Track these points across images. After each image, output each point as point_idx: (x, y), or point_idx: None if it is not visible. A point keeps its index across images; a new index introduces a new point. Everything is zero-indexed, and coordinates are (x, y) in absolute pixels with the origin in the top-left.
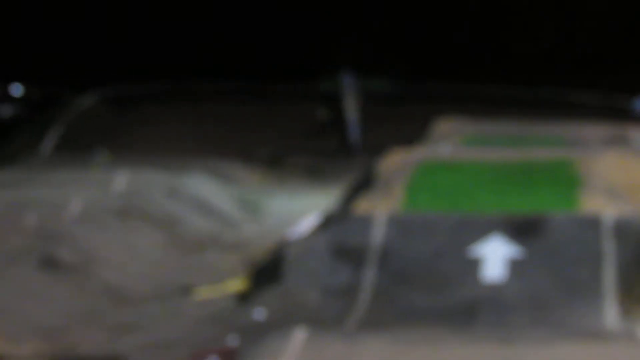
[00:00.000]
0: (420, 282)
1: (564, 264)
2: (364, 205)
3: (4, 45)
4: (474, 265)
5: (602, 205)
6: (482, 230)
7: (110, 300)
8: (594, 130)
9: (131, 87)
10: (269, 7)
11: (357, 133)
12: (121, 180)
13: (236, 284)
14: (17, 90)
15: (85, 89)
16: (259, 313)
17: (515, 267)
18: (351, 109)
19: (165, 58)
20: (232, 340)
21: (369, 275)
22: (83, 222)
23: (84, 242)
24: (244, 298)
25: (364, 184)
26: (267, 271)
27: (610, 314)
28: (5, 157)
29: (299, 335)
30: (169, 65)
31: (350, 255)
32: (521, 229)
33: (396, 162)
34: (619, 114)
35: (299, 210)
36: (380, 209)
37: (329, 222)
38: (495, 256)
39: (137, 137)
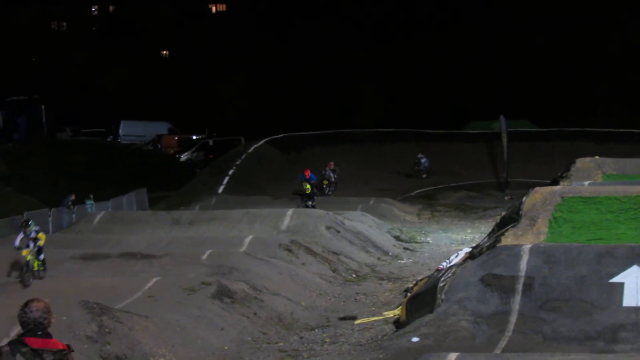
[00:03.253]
0: (563, 308)
1: None
2: (511, 238)
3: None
4: (614, 292)
5: None
6: (622, 259)
7: (278, 328)
8: None
9: (295, 134)
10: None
11: (507, 170)
12: (289, 216)
13: (393, 312)
14: (198, 138)
15: (258, 138)
16: (415, 339)
17: None
18: (504, 148)
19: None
20: None
21: (517, 302)
22: (255, 256)
23: (256, 274)
24: (400, 324)
25: (510, 218)
26: (422, 299)
27: None
28: (187, 197)
29: (451, 359)
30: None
31: (498, 283)
32: None
33: (540, 197)
34: None
35: (451, 243)
36: (526, 241)
37: (479, 254)
38: (635, 283)
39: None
